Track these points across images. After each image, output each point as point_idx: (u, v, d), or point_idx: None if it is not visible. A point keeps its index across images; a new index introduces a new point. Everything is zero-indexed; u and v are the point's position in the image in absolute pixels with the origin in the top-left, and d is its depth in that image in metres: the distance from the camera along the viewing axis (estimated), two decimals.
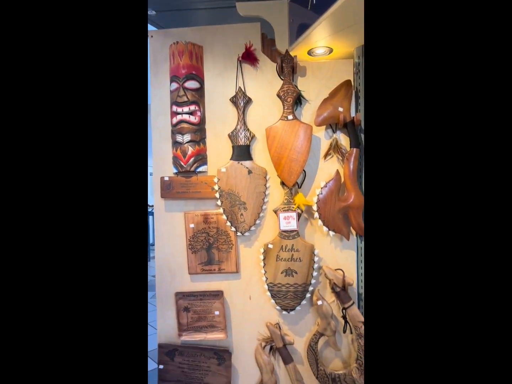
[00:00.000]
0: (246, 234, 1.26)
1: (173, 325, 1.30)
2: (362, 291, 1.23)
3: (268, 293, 1.22)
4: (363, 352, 1.17)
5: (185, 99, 1.24)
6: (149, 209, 6.66)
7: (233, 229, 1.26)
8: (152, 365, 2.87)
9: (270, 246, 1.22)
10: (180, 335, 1.28)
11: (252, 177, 1.24)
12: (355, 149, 1.17)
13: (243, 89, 1.26)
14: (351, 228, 1.21)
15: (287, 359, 1.23)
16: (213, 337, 1.27)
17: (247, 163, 1.25)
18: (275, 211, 1.22)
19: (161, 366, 1.30)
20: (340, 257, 1.24)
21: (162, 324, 1.32)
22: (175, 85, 1.25)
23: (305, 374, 1.24)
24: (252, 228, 1.25)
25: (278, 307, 1.22)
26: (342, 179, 1.20)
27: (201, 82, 1.27)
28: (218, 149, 1.28)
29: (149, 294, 4.62)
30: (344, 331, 1.21)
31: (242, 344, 1.28)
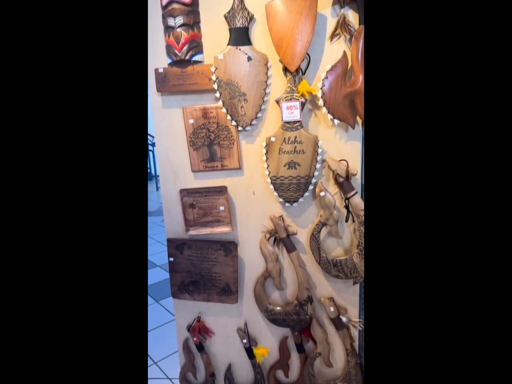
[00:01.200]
0: (248, 128, 1.22)
1: (179, 222, 1.34)
2: None
3: (271, 186, 1.22)
4: (364, 239, 1.21)
5: None
6: (152, 140, 6.57)
7: (233, 123, 1.21)
8: (164, 275, 3.10)
9: (273, 139, 1.19)
10: (188, 230, 1.33)
11: (252, 65, 1.15)
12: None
13: None
14: (357, 116, 1.16)
15: (291, 248, 1.28)
16: (219, 230, 1.31)
17: (246, 48, 1.15)
18: (277, 101, 1.16)
19: (171, 259, 1.37)
20: (345, 149, 1.21)
21: (169, 221, 1.36)
22: None
23: (308, 261, 1.31)
24: (254, 122, 1.21)
25: (281, 200, 1.24)
26: (350, 62, 1.11)
27: None
28: (214, 34, 1.17)
29: (160, 218, 4.81)
30: (347, 220, 1.23)
31: (247, 237, 1.33)
